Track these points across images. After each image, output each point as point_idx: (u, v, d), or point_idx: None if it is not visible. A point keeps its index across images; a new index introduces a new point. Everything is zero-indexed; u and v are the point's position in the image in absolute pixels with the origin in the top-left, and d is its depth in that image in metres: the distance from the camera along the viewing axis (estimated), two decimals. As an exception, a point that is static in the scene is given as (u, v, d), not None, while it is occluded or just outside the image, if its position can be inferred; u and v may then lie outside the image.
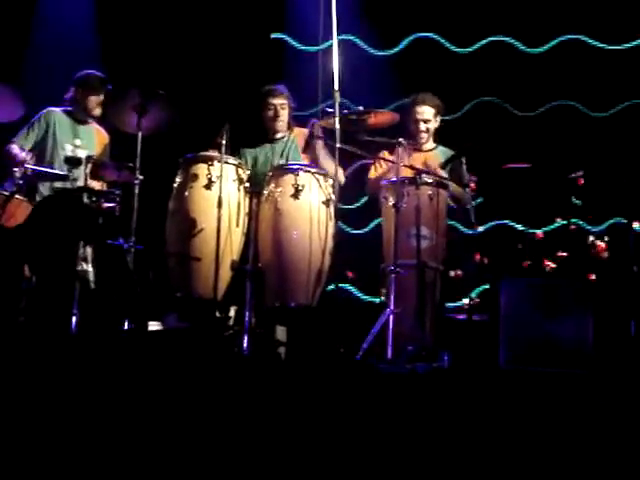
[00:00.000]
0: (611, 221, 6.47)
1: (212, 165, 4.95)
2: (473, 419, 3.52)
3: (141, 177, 5.03)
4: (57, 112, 5.69)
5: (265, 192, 4.99)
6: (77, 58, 6.24)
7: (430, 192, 5.04)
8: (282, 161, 5.40)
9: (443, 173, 5.28)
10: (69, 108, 5.73)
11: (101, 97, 5.66)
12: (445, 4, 6.85)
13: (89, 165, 5.20)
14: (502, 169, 6.30)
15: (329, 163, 5.19)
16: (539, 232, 6.28)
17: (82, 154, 5.44)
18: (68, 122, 5.69)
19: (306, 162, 5.32)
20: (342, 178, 5.43)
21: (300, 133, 5.53)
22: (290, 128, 5.55)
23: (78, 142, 5.65)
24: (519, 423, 3.53)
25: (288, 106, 5.51)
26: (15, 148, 5.55)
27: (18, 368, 3.58)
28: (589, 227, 6.43)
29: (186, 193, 4.98)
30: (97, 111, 5.71)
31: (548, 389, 3.73)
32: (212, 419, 3.48)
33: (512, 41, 6.87)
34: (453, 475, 3.34)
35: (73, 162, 5.27)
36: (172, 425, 3.45)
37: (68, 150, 5.58)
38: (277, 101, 5.47)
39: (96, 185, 5.41)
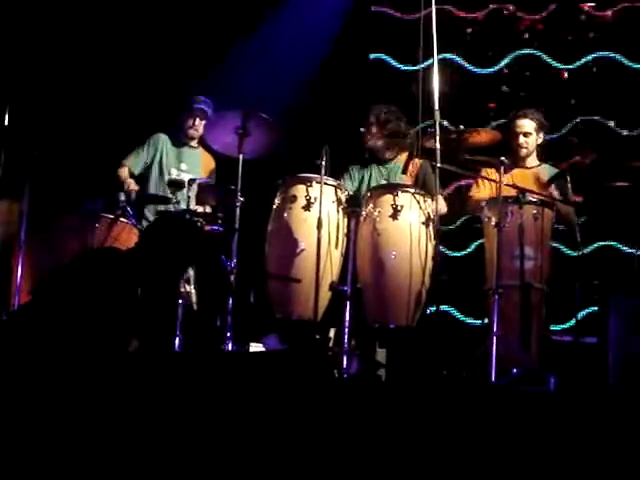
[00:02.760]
0: None
1: (311, 186, 4.95)
2: (583, 443, 3.42)
3: (242, 199, 5.07)
4: (164, 136, 5.80)
5: (363, 212, 4.97)
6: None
7: (534, 211, 4.93)
8: (386, 181, 5.38)
9: (555, 193, 5.17)
10: (176, 132, 5.83)
11: (203, 121, 5.74)
12: (547, 20, 6.79)
13: (192, 188, 5.28)
14: (608, 188, 6.16)
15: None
16: None
17: (186, 178, 5.52)
18: (174, 146, 5.79)
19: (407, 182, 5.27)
20: (444, 208, 5.37)
21: (405, 155, 5.48)
22: (400, 151, 5.50)
23: (184, 166, 5.74)
24: (628, 448, 3.40)
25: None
26: (124, 173, 5.67)
27: (121, 387, 3.64)
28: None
29: (285, 214, 5.00)
30: (198, 134, 5.79)
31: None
32: (313, 441, 3.46)
33: (616, 57, 6.72)
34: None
35: (176, 185, 5.36)
36: (273, 446, 3.44)
37: (174, 174, 5.67)
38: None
39: (200, 208, 5.48)
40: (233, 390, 3.66)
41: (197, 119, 5.75)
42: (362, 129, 5.47)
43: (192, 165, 5.76)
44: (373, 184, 5.40)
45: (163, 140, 5.78)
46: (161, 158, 5.75)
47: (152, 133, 5.83)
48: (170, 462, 3.41)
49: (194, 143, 5.83)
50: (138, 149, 5.77)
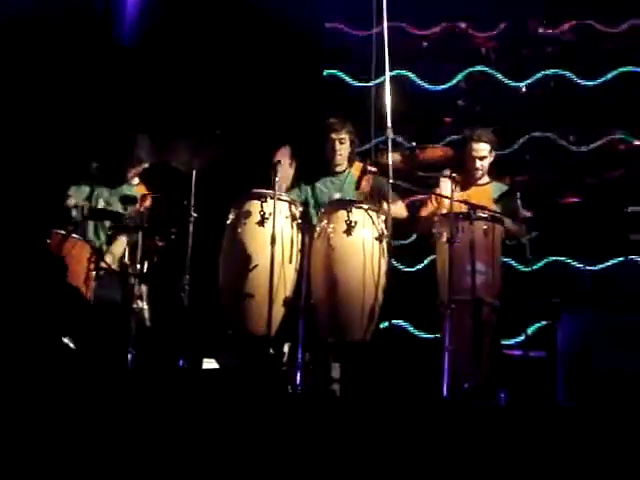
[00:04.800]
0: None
1: (265, 202, 4.96)
2: (531, 458, 3.45)
3: (195, 215, 5.06)
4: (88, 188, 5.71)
5: (317, 228, 4.99)
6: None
7: (485, 227, 4.99)
8: (338, 195, 5.40)
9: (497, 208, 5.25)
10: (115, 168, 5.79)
11: (143, 165, 5.73)
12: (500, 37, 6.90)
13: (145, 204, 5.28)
14: (558, 204, 6.24)
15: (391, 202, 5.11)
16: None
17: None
18: (109, 187, 5.72)
19: (360, 198, 5.30)
20: (404, 212, 5.43)
21: (359, 168, 5.52)
22: (351, 163, 5.54)
23: (112, 199, 5.67)
24: (577, 462, 3.45)
25: (348, 140, 5.50)
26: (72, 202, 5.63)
27: (73, 403, 3.61)
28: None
29: (239, 230, 4.99)
30: (135, 179, 5.77)
31: (608, 428, 3.64)
32: (265, 457, 3.46)
33: (566, 73, 6.84)
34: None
35: (129, 201, 5.34)
36: (226, 462, 3.44)
37: (100, 205, 5.64)
38: (335, 135, 5.48)
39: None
40: (186, 406, 3.65)
41: (133, 168, 5.72)
42: (337, 141, 5.47)
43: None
44: (326, 195, 5.43)
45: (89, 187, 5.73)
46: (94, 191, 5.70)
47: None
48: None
49: (133, 181, 5.79)
50: (79, 182, 5.70)
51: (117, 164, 5.75)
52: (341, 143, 5.49)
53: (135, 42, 6.71)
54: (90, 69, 6.56)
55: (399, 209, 5.39)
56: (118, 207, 5.51)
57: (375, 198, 5.24)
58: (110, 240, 5.48)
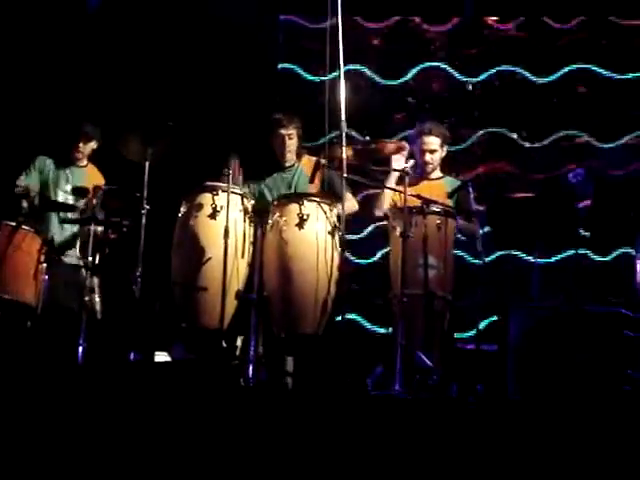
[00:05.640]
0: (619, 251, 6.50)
1: (217, 195, 4.93)
2: (480, 450, 3.49)
3: (148, 207, 5.03)
4: (48, 160, 5.81)
5: (270, 222, 4.98)
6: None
7: (438, 221, 5.02)
8: (289, 190, 5.41)
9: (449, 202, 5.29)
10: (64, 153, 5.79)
11: (91, 145, 5.76)
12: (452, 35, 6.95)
13: (98, 195, 5.23)
14: (510, 199, 6.30)
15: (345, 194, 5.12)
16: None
17: (72, 200, 5.53)
18: (59, 168, 5.79)
19: (313, 191, 5.31)
20: (356, 205, 5.47)
21: (309, 162, 5.52)
22: (300, 157, 5.55)
23: (68, 187, 5.69)
24: (527, 455, 3.49)
25: (297, 135, 5.51)
26: (22, 184, 5.61)
27: (25, 398, 3.57)
28: (596, 257, 6.44)
29: (191, 223, 4.96)
30: (82, 156, 5.77)
31: (557, 420, 3.69)
32: (218, 451, 3.45)
33: (520, 70, 6.91)
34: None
35: (80, 192, 5.30)
36: (177, 457, 3.42)
37: (59, 196, 5.69)
38: (284, 131, 5.49)
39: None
40: (138, 400, 3.63)
41: (81, 143, 5.76)
42: (286, 137, 5.47)
43: (78, 184, 5.69)
44: (275, 191, 5.44)
45: (44, 162, 5.77)
46: (47, 181, 5.72)
47: (37, 153, 5.82)
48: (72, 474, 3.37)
49: (81, 163, 5.82)
50: (26, 171, 5.76)
51: (64, 146, 5.76)
52: (290, 139, 5.49)
53: (90, 31, 6.67)
54: (39, 54, 6.51)
55: (350, 203, 5.40)
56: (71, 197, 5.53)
57: (327, 191, 5.25)
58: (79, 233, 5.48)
